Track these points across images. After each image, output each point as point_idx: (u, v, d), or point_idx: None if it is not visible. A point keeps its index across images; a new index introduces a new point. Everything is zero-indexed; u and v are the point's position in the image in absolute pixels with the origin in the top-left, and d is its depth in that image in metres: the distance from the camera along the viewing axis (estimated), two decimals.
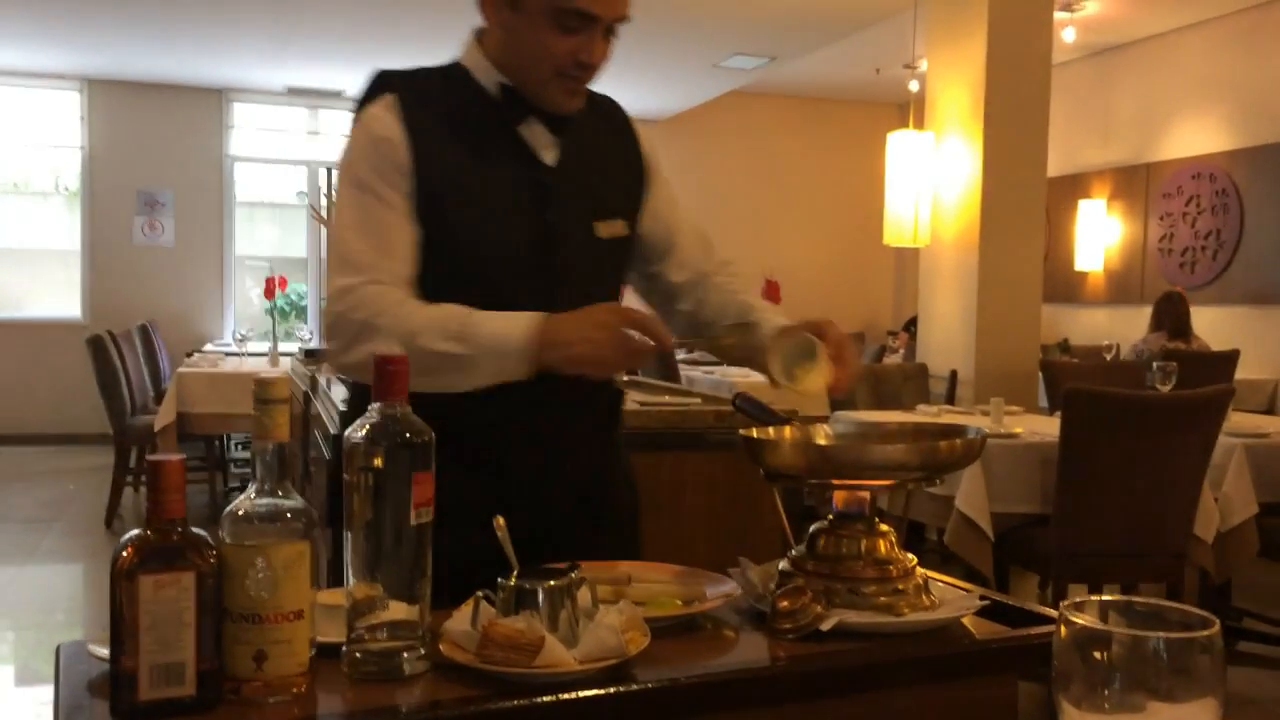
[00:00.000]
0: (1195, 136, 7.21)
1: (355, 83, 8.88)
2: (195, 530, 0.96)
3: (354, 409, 1.58)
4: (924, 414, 4.03)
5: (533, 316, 1.32)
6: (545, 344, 1.30)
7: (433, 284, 1.43)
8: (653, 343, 1.31)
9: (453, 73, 1.51)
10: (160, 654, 0.92)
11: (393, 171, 1.42)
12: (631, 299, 1.61)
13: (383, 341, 1.33)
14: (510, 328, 1.32)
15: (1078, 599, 0.64)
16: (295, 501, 1.00)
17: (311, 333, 8.12)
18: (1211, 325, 6.71)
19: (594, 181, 1.52)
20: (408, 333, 1.34)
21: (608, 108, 1.61)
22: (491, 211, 1.44)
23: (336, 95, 9.28)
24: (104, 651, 0.98)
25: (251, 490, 1.00)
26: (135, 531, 0.95)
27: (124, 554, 0.94)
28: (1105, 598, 0.65)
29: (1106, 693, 0.60)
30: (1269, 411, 6.00)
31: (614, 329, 1.28)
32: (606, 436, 1.61)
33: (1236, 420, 3.83)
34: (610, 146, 1.58)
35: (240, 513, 0.98)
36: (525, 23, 1.40)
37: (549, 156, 1.49)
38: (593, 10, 1.37)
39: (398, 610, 1.04)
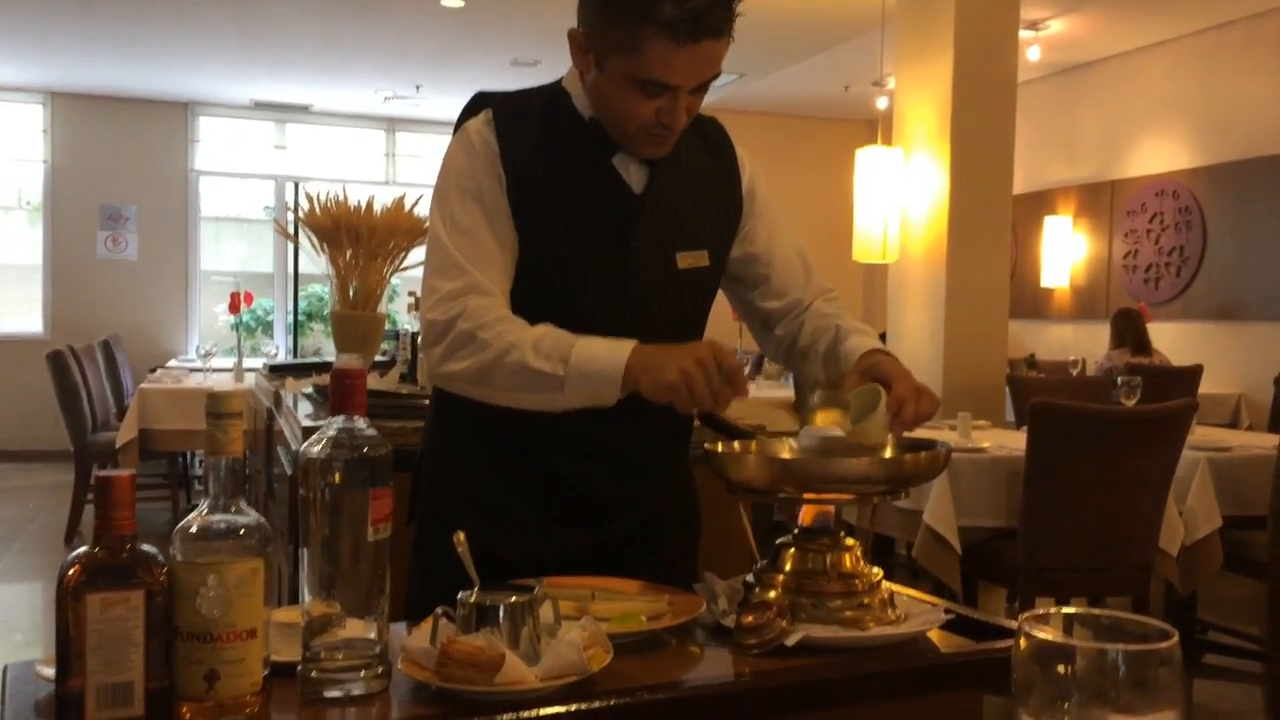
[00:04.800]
0: (1158, 154, 7.30)
1: (322, 97, 8.87)
2: (145, 547, 0.94)
3: (436, 420, 1.58)
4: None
5: (632, 344, 1.32)
6: (641, 370, 1.29)
7: (517, 301, 1.44)
8: (736, 391, 1.29)
9: (554, 93, 1.50)
10: (108, 674, 0.90)
11: (490, 182, 1.43)
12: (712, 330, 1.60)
13: (484, 353, 1.34)
14: (609, 353, 1.31)
15: (1038, 611, 0.64)
16: (249, 518, 0.98)
17: (277, 348, 8.04)
18: (1175, 341, 6.79)
19: (681, 212, 1.51)
20: (508, 346, 1.34)
21: (714, 137, 1.59)
22: (577, 236, 1.44)
23: (303, 109, 9.23)
24: (51, 672, 0.96)
25: (204, 506, 0.97)
26: (83, 549, 0.93)
27: (70, 572, 0.91)
28: (1066, 610, 0.65)
29: (1066, 706, 0.59)
30: (1232, 425, 6.07)
31: (708, 367, 1.26)
32: (675, 460, 1.60)
33: (1200, 434, 3.87)
34: (706, 175, 1.55)
35: (192, 530, 0.96)
36: (609, 82, 1.40)
37: (638, 184, 1.48)
38: (672, 82, 1.36)
39: (355, 628, 1.02)
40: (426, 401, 1.76)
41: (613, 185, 1.47)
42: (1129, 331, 6.22)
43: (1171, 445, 3.23)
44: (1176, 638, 0.60)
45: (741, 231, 1.59)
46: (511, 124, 1.46)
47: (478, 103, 1.50)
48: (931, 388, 1.38)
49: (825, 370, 1.52)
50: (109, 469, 0.95)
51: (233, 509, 0.97)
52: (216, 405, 0.99)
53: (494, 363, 1.34)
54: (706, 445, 1.32)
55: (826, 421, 1.37)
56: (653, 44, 1.32)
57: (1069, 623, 0.64)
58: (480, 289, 1.39)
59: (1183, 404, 3.28)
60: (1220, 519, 3.52)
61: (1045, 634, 0.61)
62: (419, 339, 1.47)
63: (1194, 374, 5.53)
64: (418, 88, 8.49)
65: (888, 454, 1.32)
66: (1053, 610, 0.64)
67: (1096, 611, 0.64)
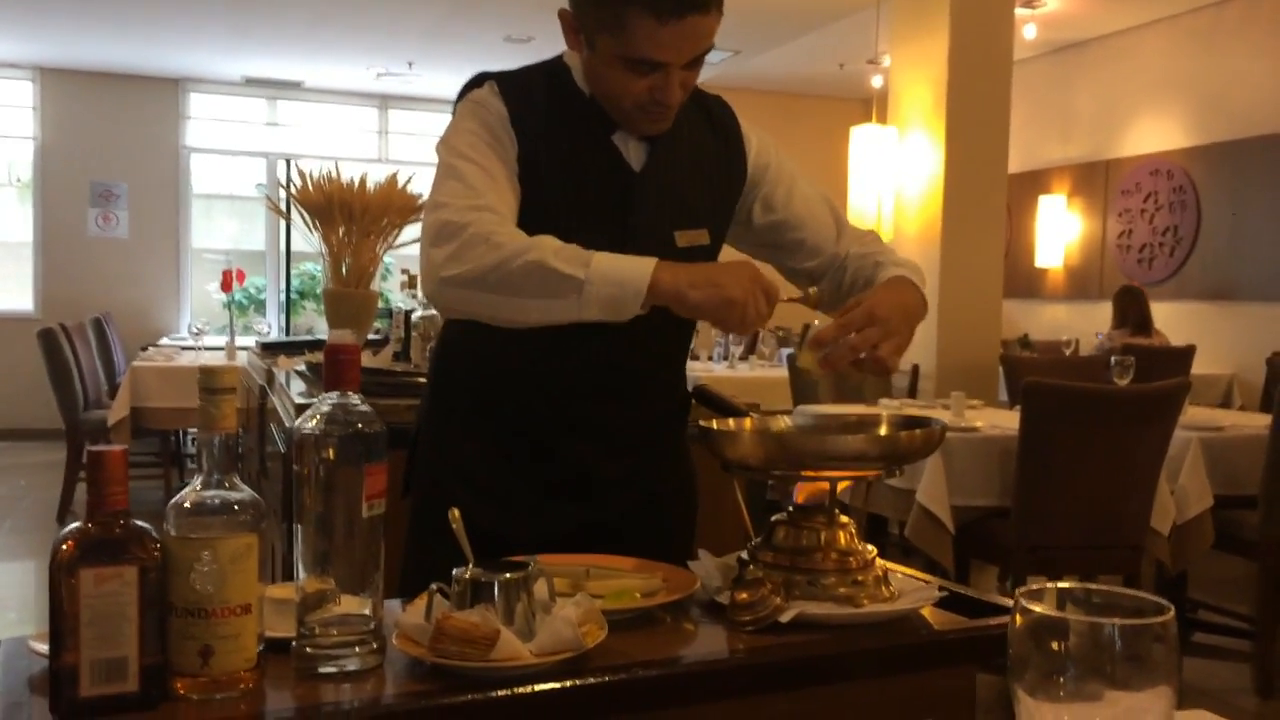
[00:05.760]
0: (1153, 133, 7.29)
1: (314, 73, 8.82)
2: (138, 523, 0.93)
3: (433, 396, 1.55)
4: (886, 408, 4.05)
5: (653, 260, 1.28)
6: (684, 284, 1.25)
7: None
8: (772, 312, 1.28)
9: (555, 69, 1.50)
10: (101, 649, 0.90)
11: (499, 139, 1.41)
12: None
13: (494, 254, 1.27)
14: (633, 264, 1.27)
15: (1034, 586, 0.64)
16: (242, 493, 0.98)
17: (269, 326, 8.01)
18: (1168, 321, 6.80)
19: (681, 189, 1.50)
20: (526, 246, 1.27)
21: (718, 114, 1.58)
22: (575, 211, 1.44)
23: (295, 86, 9.18)
24: (45, 648, 0.96)
25: (197, 482, 0.97)
26: (76, 524, 0.93)
27: (64, 547, 0.91)
28: (1060, 585, 0.65)
29: (1061, 680, 0.59)
30: (1224, 405, 6.08)
31: (765, 287, 1.24)
32: (672, 438, 1.60)
33: (1193, 414, 3.88)
34: (709, 154, 1.54)
35: (185, 505, 0.96)
36: (600, 61, 1.39)
37: (637, 162, 1.47)
38: (661, 59, 1.35)
39: (349, 604, 1.02)
40: (420, 379, 1.76)
41: (612, 162, 1.46)
42: (1131, 310, 6.21)
43: (1164, 425, 3.24)
44: (1172, 612, 0.60)
45: (753, 203, 1.57)
46: (517, 95, 1.45)
47: (480, 77, 1.49)
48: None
49: None
50: (101, 445, 0.94)
51: (226, 484, 0.97)
52: (209, 380, 0.98)
53: (507, 260, 1.27)
54: (701, 422, 1.32)
55: (808, 362, 1.37)
56: (637, 22, 1.31)
57: (1064, 598, 0.64)
58: (495, 209, 1.35)
59: (1176, 384, 3.29)
60: (1212, 498, 3.54)
61: (1041, 609, 0.61)
62: (421, 243, 1.38)
63: (1187, 354, 5.54)
64: (410, 64, 8.43)
65: (882, 431, 1.32)
66: (1047, 585, 0.64)
67: (1091, 586, 0.64)
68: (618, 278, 1.25)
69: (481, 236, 1.29)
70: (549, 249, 1.28)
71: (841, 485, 1.25)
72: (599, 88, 1.43)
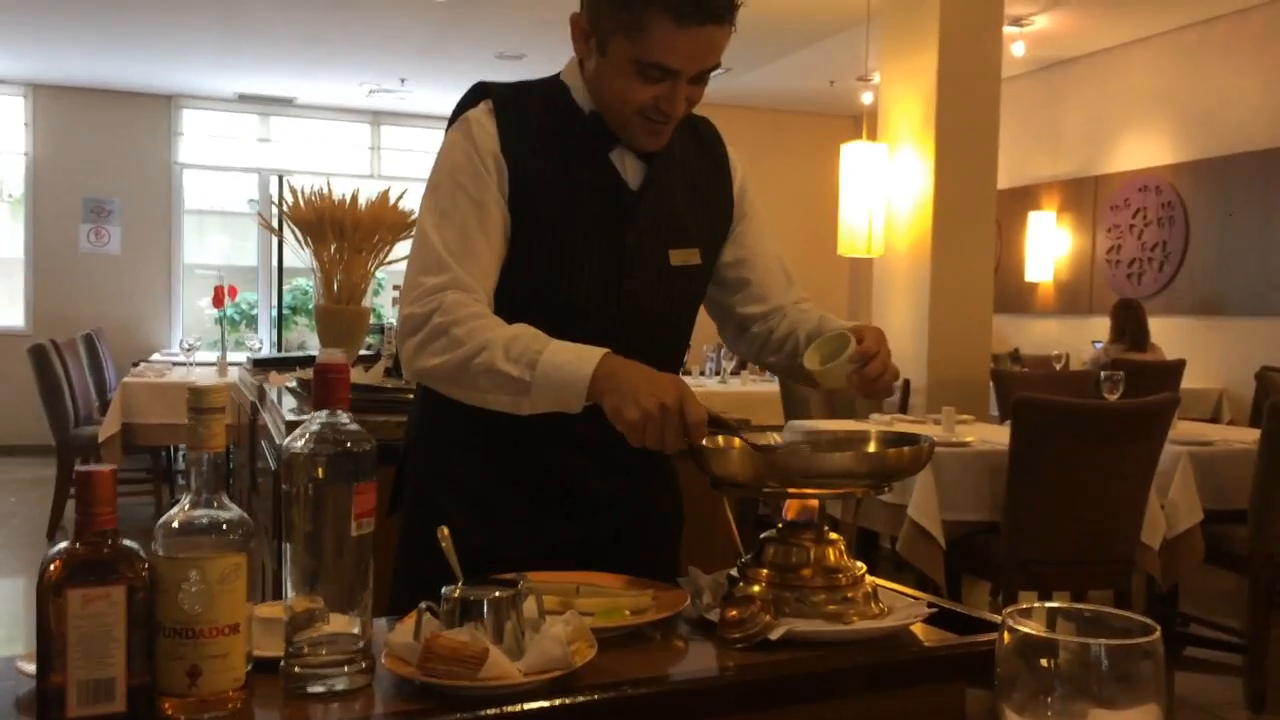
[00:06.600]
0: (1142, 150, 7.34)
1: (307, 89, 8.83)
2: (127, 543, 0.93)
3: (423, 412, 1.57)
4: (876, 423, 4.05)
5: (601, 354, 1.30)
6: (604, 391, 1.28)
7: (507, 292, 1.44)
8: (687, 443, 1.27)
9: (553, 88, 1.51)
10: (89, 670, 0.89)
11: (485, 174, 1.43)
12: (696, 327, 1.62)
13: (456, 351, 1.34)
14: (577, 362, 1.30)
15: (1022, 605, 0.64)
16: (231, 513, 0.97)
17: (261, 342, 8.00)
18: (1158, 335, 6.82)
19: (675, 210, 1.52)
20: (479, 346, 1.33)
21: (707, 136, 1.60)
22: (572, 229, 1.45)
23: (288, 102, 9.19)
24: (32, 668, 0.95)
25: (186, 501, 0.97)
26: (64, 544, 0.92)
27: (51, 568, 0.91)
28: (1050, 604, 0.65)
29: (1049, 699, 0.59)
30: (1214, 420, 6.10)
31: (671, 414, 1.25)
32: (663, 455, 1.60)
33: (1182, 428, 3.89)
34: (700, 175, 1.57)
35: (174, 524, 0.96)
36: (610, 66, 1.40)
37: (634, 181, 1.49)
38: (673, 66, 1.36)
39: (338, 623, 1.02)
40: (411, 396, 1.75)
41: (610, 180, 1.47)
42: (1129, 324, 6.21)
43: (1154, 440, 3.25)
44: (1158, 632, 0.60)
45: (731, 234, 1.60)
46: (512, 114, 1.46)
47: (478, 92, 1.49)
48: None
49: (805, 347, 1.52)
50: (91, 464, 0.94)
51: (215, 504, 0.97)
52: (198, 400, 0.98)
53: (466, 361, 1.34)
54: None
55: (815, 363, 1.39)
56: (657, 24, 1.33)
57: (1052, 617, 0.65)
58: (461, 285, 1.39)
59: (1165, 399, 3.30)
60: (1202, 513, 3.54)
61: (1028, 628, 0.61)
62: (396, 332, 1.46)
63: (1176, 369, 5.56)
64: (402, 81, 8.45)
65: (870, 448, 1.33)
66: (1035, 605, 0.64)
67: (1079, 606, 0.64)
68: (559, 379, 1.30)
69: (442, 329, 1.36)
70: (499, 348, 1.33)
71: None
72: (603, 95, 1.44)
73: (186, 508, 0.96)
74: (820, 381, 1.41)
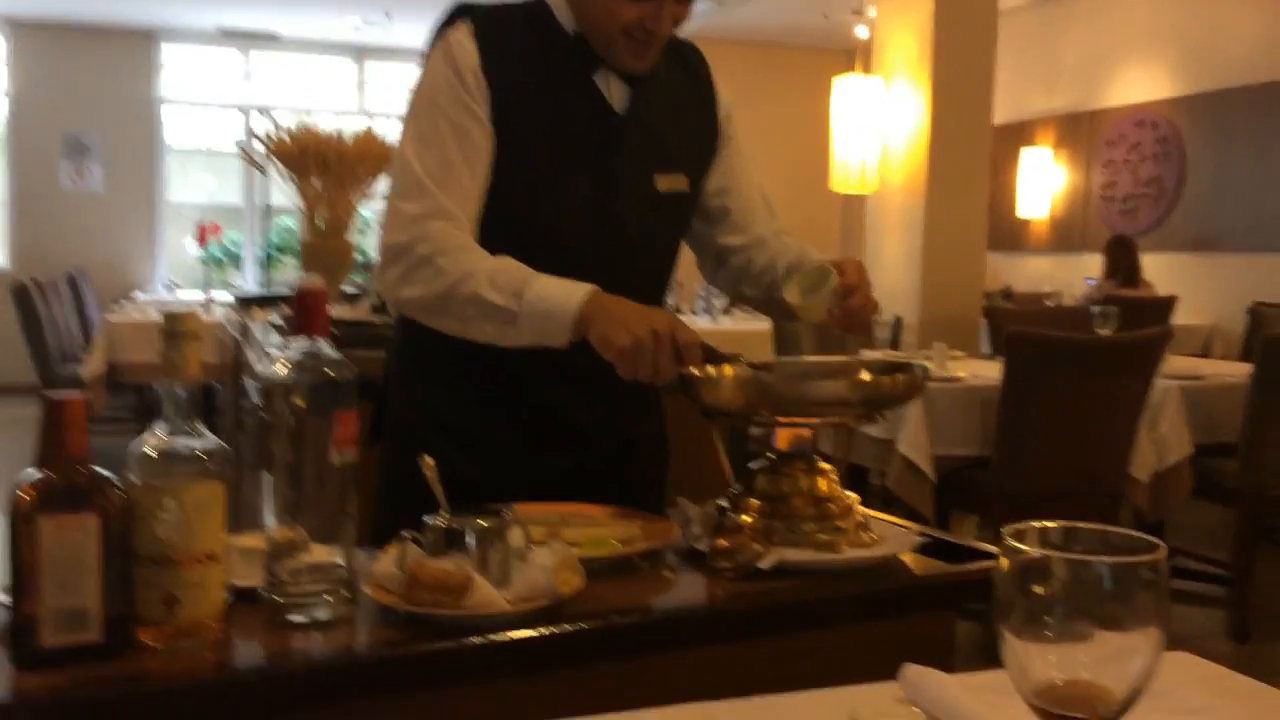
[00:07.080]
0: (1138, 84, 7.25)
1: (290, 24, 8.65)
2: (100, 470, 0.91)
3: (404, 343, 1.53)
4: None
5: (589, 289, 1.28)
6: (593, 320, 1.26)
7: (489, 219, 1.41)
8: (681, 369, 1.25)
9: (536, 8, 1.46)
10: (63, 599, 0.88)
11: (468, 97, 1.39)
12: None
13: (439, 280, 1.32)
14: (564, 295, 1.28)
15: (1019, 525, 0.62)
16: (207, 441, 0.95)
17: (246, 281, 7.93)
18: (1152, 271, 6.79)
19: (661, 134, 1.49)
20: (464, 275, 1.32)
21: (692, 61, 1.57)
22: (556, 152, 1.42)
23: (271, 37, 9.01)
24: (6, 598, 0.93)
25: (159, 428, 0.94)
26: (35, 471, 0.90)
27: (23, 495, 0.88)
28: (1047, 524, 0.63)
29: (1049, 620, 0.57)
30: (1205, 355, 6.10)
31: (662, 340, 1.22)
32: (650, 387, 1.58)
33: (1174, 363, 3.88)
34: (686, 101, 1.54)
35: (149, 452, 0.93)
36: None
37: (619, 104, 1.45)
38: None
39: (320, 553, 1.00)
40: None
41: (595, 103, 1.44)
42: (1123, 260, 6.20)
43: (1145, 374, 3.24)
44: (1163, 550, 0.58)
45: (715, 162, 1.57)
46: (493, 35, 1.42)
47: (458, 13, 1.45)
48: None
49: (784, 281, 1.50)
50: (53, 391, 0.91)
51: (190, 431, 0.94)
52: (172, 325, 0.95)
53: (449, 290, 1.32)
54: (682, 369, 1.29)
55: (795, 297, 1.37)
56: None
57: (1050, 537, 0.62)
58: (444, 213, 1.36)
59: (1157, 333, 3.29)
60: (1191, 446, 3.55)
61: (1028, 547, 0.59)
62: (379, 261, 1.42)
63: (1168, 304, 5.54)
64: (388, 14, 8.29)
65: (864, 376, 1.30)
66: (1033, 525, 0.62)
67: (1079, 525, 0.62)
68: (546, 309, 1.28)
69: (426, 259, 1.34)
70: (484, 276, 1.31)
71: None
72: (588, 14, 1.40)
73: (161, 435, 0.94)
74: (800, 315, 1.39)
